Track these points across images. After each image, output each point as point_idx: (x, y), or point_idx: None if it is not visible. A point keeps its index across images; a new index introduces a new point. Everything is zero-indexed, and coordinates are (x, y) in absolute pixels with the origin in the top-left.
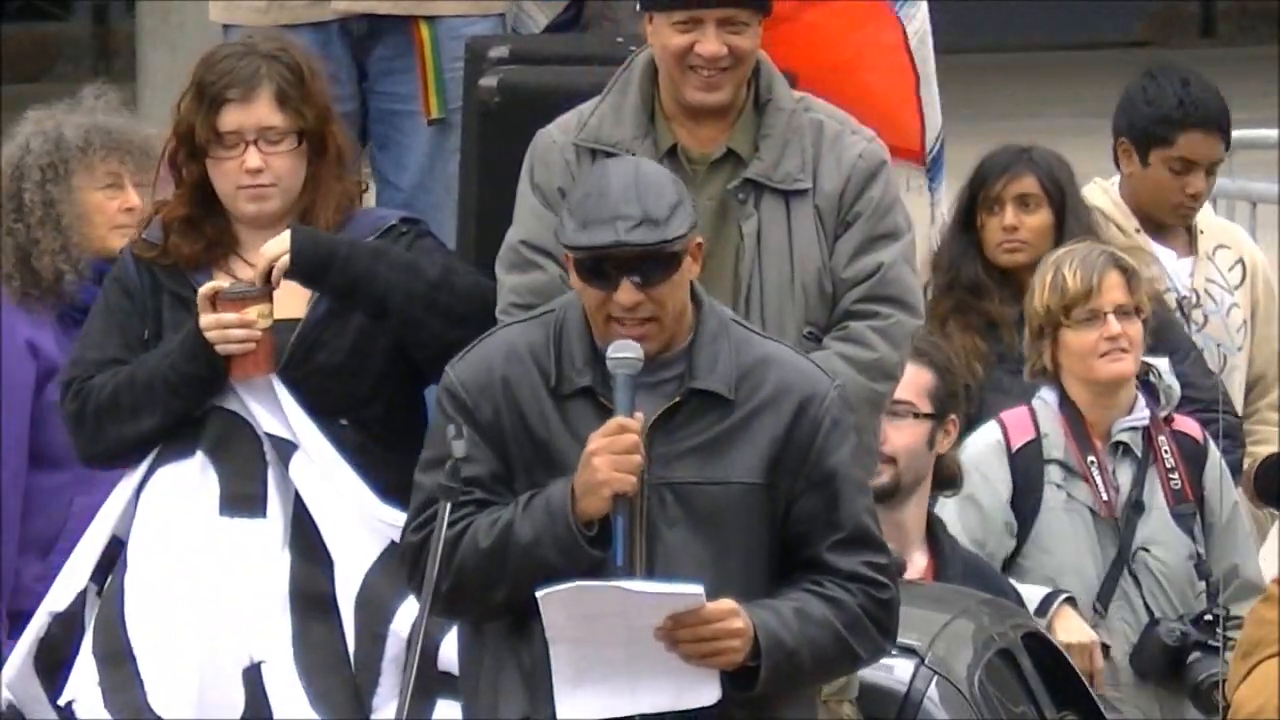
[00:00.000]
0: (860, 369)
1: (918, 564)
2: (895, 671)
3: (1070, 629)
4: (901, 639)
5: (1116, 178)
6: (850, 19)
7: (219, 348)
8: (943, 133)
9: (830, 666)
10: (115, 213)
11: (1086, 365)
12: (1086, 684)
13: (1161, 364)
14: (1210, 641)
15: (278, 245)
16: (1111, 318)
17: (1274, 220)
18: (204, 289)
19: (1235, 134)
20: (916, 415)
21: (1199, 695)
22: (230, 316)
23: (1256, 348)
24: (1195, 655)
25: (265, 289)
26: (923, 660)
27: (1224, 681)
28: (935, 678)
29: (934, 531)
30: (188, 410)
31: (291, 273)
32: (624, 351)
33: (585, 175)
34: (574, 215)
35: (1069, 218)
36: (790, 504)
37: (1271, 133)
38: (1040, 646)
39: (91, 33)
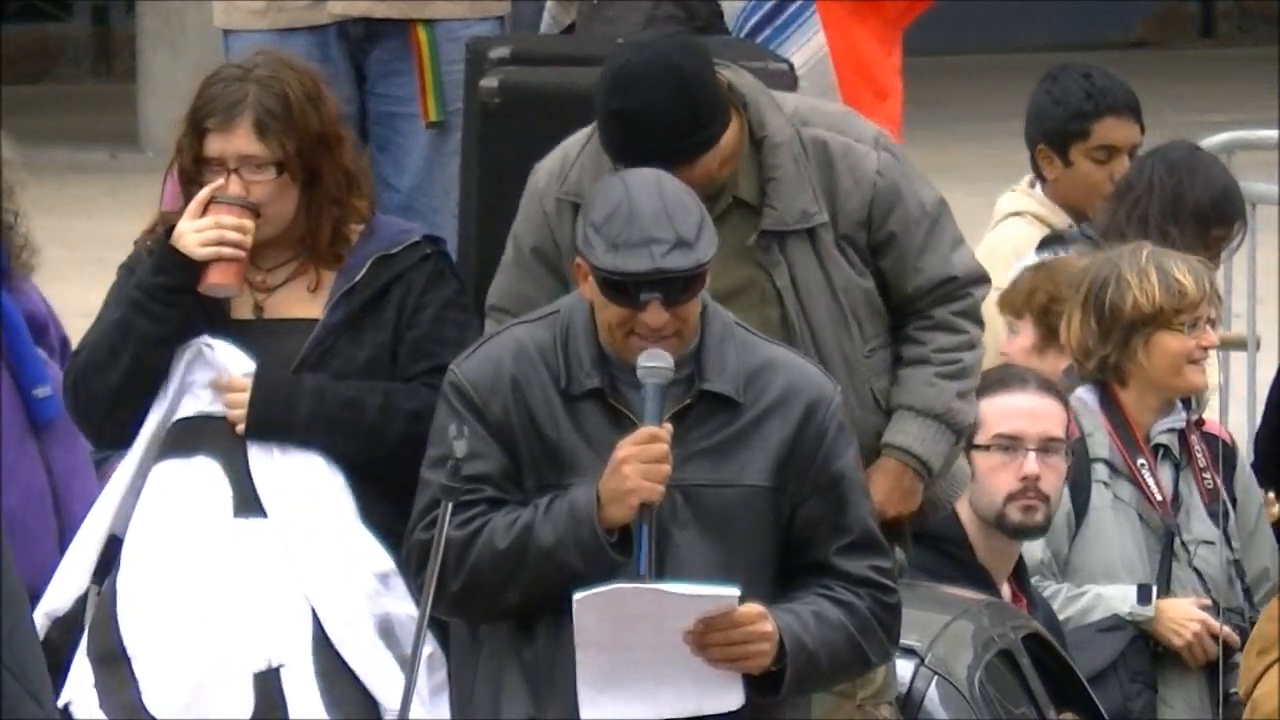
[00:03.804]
0: (961, 357)
1: (1004, 594)
2: (895, 672)
3: (1183, 607)
4: (901, 639)
5: (1026, 179)
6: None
7: (210, 250)
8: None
9: (842, 670)
10: None
11: (1177, 369)
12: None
13: None
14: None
15: (236, 404)
16: (1209, 327)
17: (1274, 220)
18: (204, 191)
19: (1235, 134)
20: (1066, 453)
21: (1229, 704)
22: (229, 219)
23: None
24: (1236, 659)
25: (253, 204)
26: (923, 661)
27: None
28: (935, 678)
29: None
30: (159, 334)
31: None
32: (655, 361)
33: (602, 189)
34: (601, 235)
35: None
36: (796, 507)
37: (1271, 133)
38: (1040, 647)
39: (91, 33)
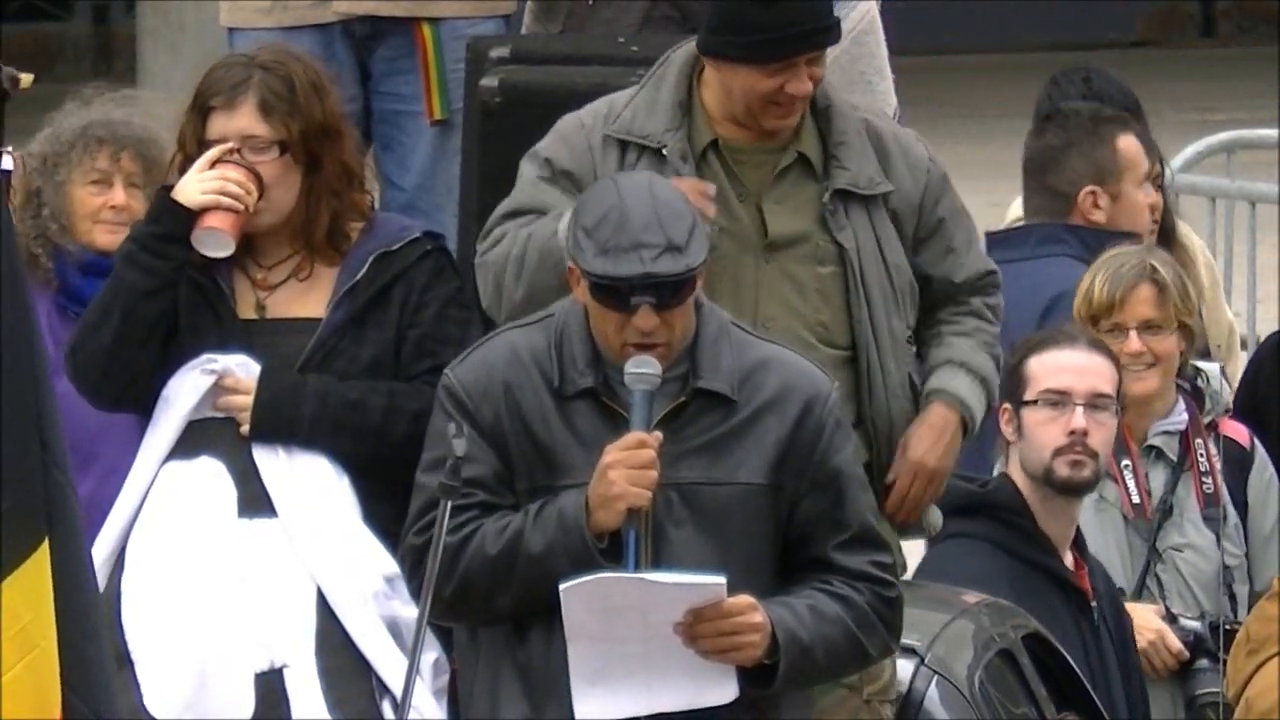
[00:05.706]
0: (995, 341)
1: (1066, 561)
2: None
3: (1140, 613)
4: (901, 639)
5: None
6: None
7: (209, 197)
8: (898, 114)
9: (841, 664)
10: (98, 208)
11: None
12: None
13: (1212, 369)
14: (1223, 655)
15: (240, 399)
16: (1134, 334)
17: (1274, 220)
18: (213, 151)
19: (1235, 134)
20: (1115, 411)
21: (1192, 708)
22: (235, 174)
23: (1206, 328)
24: (1202, 663)
25: (260, 175)
26: (923, 660)
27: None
28: (935, 678)
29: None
30: (148, 285)
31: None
32: (643, 367)
33: (594, 194)
34: (592, 239)
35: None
36: (794, 504)
37: (1271, 133)
38: (1040, 647)
39: (91, 33)
